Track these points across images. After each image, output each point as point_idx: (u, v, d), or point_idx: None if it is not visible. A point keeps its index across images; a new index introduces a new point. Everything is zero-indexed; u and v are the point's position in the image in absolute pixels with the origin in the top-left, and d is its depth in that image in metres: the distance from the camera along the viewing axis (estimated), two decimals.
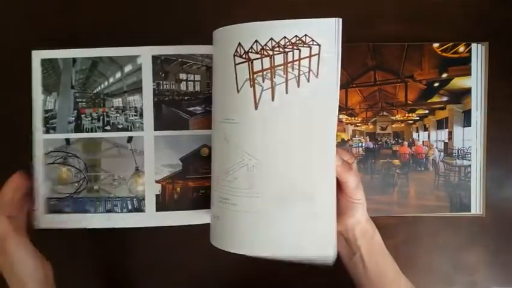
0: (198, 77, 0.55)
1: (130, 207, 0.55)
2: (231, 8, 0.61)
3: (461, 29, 0.60)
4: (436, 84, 0.61)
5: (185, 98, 0.55)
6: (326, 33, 0.42)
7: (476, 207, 0.61)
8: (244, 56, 0.44)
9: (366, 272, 0.50)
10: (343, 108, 0.62)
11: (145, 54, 0.55)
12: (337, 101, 0.43)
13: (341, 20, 0.42)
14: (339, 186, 0.47)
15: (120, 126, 0.55)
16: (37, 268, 0.49)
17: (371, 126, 0.63)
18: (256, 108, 0.44)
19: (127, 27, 0.61)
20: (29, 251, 0.48)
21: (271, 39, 0.43)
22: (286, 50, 0.43)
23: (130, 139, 0.55)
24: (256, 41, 0.43)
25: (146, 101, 0.55)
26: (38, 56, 0.55)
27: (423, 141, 0.62)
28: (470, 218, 0.61)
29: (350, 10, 0.60)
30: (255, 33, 0.43)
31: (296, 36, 0.42)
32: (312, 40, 0.42)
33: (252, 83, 0.44)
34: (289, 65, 0.43)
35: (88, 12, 0.62)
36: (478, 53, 0.60)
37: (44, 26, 0.62)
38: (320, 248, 0.45)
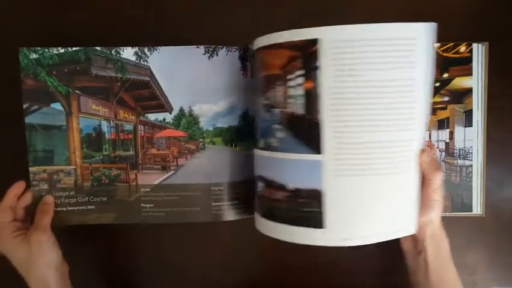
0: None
1: None
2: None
3: (462, 29, 0.60)
4: (437, 84, 0.60)
5: None
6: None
7: (477, 207, 0.61)
8: None
9: (426, 275, 0.50)
10: None
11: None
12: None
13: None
14: (422, 183, 0.47)
15: None
16: (59, 264, 0.53)
17: None
18: None
19: (120, 27, 0.61)
20: (53, 247, 0.53)
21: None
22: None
23: None
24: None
25: None
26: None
27: None
28: (470, 218, 0.61)
29: (350, 10, 0.60)
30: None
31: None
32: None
33: None
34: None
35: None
36: (479, 53, 0.60)
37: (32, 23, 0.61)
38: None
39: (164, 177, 0.57)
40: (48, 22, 0.62)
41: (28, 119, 0.55)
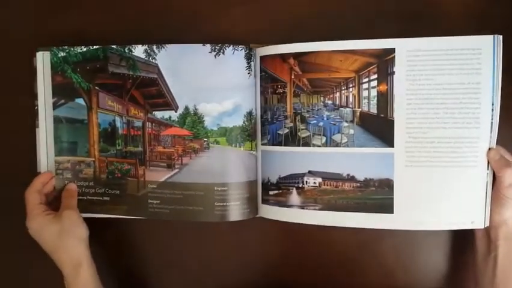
0: None
1: None
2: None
3: (461, 28, 0.55)
4: None
5: None
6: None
7: None
8: None
9: (494, 276, 0.50)
10: None
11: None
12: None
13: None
14: (494, 181, 0.50)
15: None
16: (88, 242, 0.55)
17: None
18: None
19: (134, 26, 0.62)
20: (83, 223, 0.55)
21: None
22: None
23: None
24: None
25: None
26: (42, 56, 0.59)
27: None
28: None
29: (350, 10, 0.58)
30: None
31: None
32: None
33: None
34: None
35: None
36: None
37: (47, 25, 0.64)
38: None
39: (169, 175, 0.58)
40: (58, 23, 0.64)
41: (56, 113, 0.60)
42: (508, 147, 0.52)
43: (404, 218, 0.52)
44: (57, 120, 0.60)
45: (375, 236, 0.55)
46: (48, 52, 0.59)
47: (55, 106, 0.60)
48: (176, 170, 0.57)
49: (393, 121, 0.52)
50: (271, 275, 0.62)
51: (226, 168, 0.56)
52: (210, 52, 0.55)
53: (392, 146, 0.52)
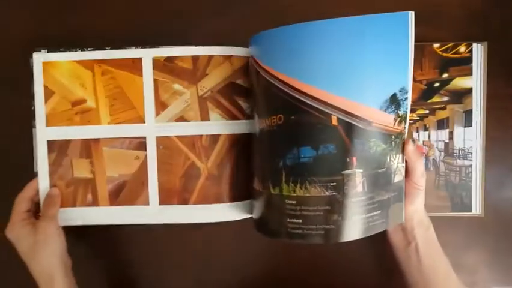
0: None
1: None
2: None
3: (461, 29, 0.59)
4: (437, 85, 0.61)
5: None
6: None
7: (477, 208, 0.61)
8: None
9: (419, 265, 0.50)
10: None
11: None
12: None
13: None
14: (406, 171, 0.48)
15: None
16: (64, 256, 0.54)
17: None
18: None
19: (128, 29, 0.62)
20: (59, 238, 0.54)
21: None
22: None
23: None
24: None
25: None
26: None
27: (423, 141, 0.62)
28: (469, 218, 0.61)
29: (350, 10, 0.59)
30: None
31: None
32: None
33: None
34: None
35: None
36: (478, 53, 0.60)
37: (44, 27, 0.62)
38: None
39: None
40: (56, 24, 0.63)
41: None
42: (508, 147, 0.57)
43: None
44: None
45: (375, 235, 0.56)
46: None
47: None
48: None
49: None
50: (271, 275, 0.63)
51: None
52: None
53: None
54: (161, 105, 0.56)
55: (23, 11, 0.62)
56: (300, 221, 0.46)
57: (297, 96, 0.45)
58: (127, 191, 0.57)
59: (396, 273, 0.58)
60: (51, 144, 0.57)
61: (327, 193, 0.45)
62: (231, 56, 0.55)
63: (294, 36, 0.45)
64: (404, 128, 0.47)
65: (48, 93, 0.56)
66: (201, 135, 0.56)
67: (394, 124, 0.46)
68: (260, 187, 0.50)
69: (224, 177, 0.56)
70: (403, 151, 0.47)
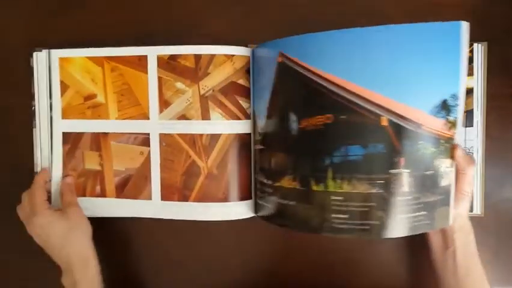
0: None
1: None
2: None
3: None
4: None
5: None
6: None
7: (477, 208, 0.61)
8: None
9: (455, 270, 0.50)
10: None
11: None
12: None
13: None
14: (457, 176, 0.49)
15: None
16: (91, 227, 0.56)
17: None
18: None
19: (131, 27, 0.63)
20: (87, 220, 0.56)
21: None
22: None
23: None
24: None
25: None
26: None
27: None
28: (470, 218, 0.60)
29: (350, 9, 0.60)
30: None
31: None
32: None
33: None
34: None
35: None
36: (479, 53, 0.59)
37: (44, 27, 0.63)
38: None
39: None
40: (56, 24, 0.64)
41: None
42: (509, 147, 0.57)
43: None
44: None
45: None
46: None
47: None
48: None
49: None
50: (271, 275, 0.63)
51: None
52: None
53: None
54: (164, 103, 0.58)
55: (23, 11, 0.64)
56: (347, 216, 0.48)
57: (349, 97, 0.48)
58: (131, 185, 0.59)
59: (397, 273, 0.60)
60: (66, 136, 0.59)
61: (374, 190, 0.47)
62: (233, 55, 0.57)
63: (348, 40, 0.47)
64: (455, 133, 0.48)
65: (64, 88, 0.59)
66: (202, 134, 0.57)
67: (444, 129, 0.48)
68: (295, 185, 0.51)
69: (224, 177, 0.57)
70: (452, 156, 0.48)
